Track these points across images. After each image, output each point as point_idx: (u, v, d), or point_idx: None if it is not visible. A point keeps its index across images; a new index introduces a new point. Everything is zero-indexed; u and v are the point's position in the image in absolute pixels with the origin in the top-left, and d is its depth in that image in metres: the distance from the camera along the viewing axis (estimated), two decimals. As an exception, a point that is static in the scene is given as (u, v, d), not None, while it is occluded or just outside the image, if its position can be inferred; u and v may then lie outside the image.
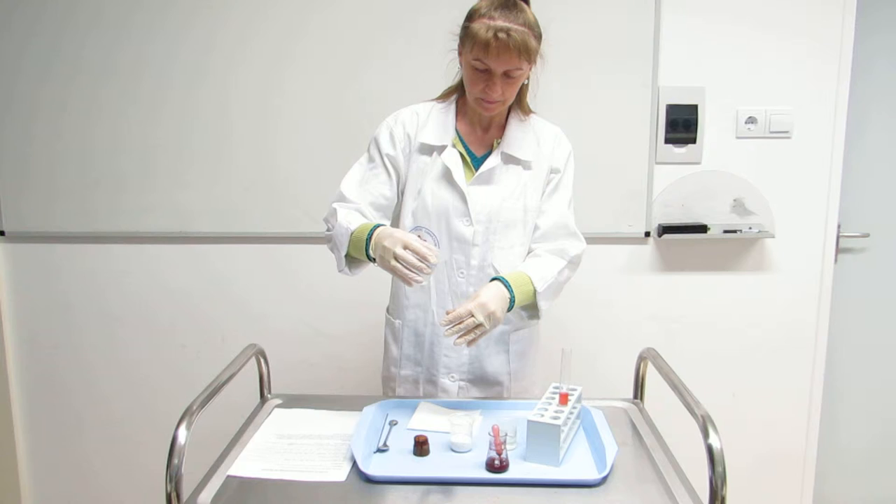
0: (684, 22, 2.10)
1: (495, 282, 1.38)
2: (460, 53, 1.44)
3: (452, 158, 1.46)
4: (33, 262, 2.28)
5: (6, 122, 2.18)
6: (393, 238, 1.29)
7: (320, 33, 2.10)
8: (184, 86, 2.14)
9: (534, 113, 1.55)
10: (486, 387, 1.57)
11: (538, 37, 1.38)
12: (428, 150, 1.49)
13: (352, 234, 1.38)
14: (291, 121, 2.15)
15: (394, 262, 1.28)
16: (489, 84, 1.37)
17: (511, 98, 1.43)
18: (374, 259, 1.35)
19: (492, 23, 1.32)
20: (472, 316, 1.30)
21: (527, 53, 1.34)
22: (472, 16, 1.37)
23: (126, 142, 2.18)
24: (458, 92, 1.52)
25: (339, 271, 1.45)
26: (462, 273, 1.49)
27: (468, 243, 1.47)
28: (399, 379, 1.58)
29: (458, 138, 1.50)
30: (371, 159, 1.52)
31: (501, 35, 1.31)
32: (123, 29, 2.11)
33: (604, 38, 2.09)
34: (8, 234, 2.25)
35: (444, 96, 1.55)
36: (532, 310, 1.48)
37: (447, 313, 1.32)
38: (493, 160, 1.48)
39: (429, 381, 1.56)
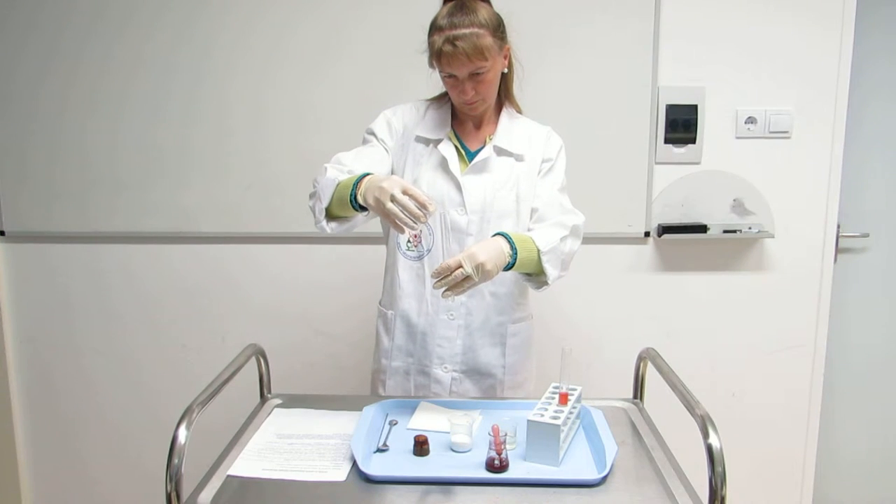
0: (684, 21, 2.10)
1: (496, 236, 1.37)
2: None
3: (448, 149, 1.51)
4: (33, 262, 2.28)
5: (6, 122, 2.18)
6: (391, 181, 1.27)
7: (320, 33, 2.10)
8: (184, 85, 2.14)
9: (522, 115, 1.60)
10: (480, 378, 1.57)
11: (495, 30, 1.40)
12: (424, 142, 1.53)
13: (338, 184, 1.36)
14: (292, 120, 2.15)
15: (390, 205, 1.24)
16: (460, 89, 1.43)
17: (489, 94, 1.47)
18: (360, 208, 1.32)
19: (441, 34, 1.38)
20: (461, 266, 1.28)
21: (479, 54, 1.37)
22: (430, 29, 1.43)
23: (126, 141, 2.18)
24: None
25: (317, 225, 1.41)
26: None
27: (463, 232, 1.50)
28: (390, 371, 1.59)
29: (453, 133, 1.54)
30: (364, 142, 1.56)
31: (447, 47, 1.36)
32: (123, 28, 2.11)
33: (604, 37, 2.09)
34: (8, 234, 2.25)
35: (438, 98, 1.59)
36: (539, 277, 1.45)
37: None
38: (486, 152, 1.51)
39: (421, 373, 1.57)
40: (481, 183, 1.50)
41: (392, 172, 1.54)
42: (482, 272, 1.29)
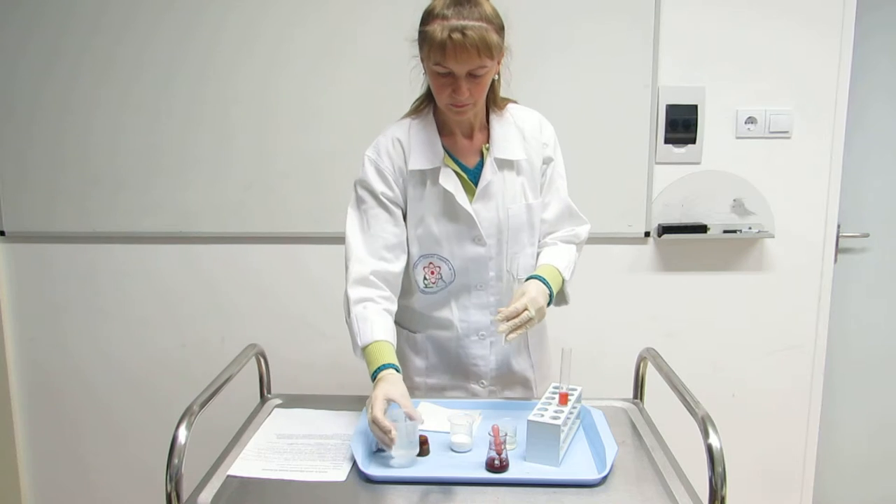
0: (684, 22, 2.10)
1: (535, 280, 1.39)
2: (422, 59, 1.36)
3: (451, 182, 1.41)
4: (33, 262, 2.28)
5: (6, 122, 2.18)
6: (374, 399, 1.22)
7: (321, 33, 2.10)
8: (184, 85, 2.14)
9: (512, 102, 1.49)
10: (515, 385, 1.57)
11: (499, 29, 1.31)
12: (420, 174, 1.43)
13: (362, 350, 1.35)
14: (292, 120, 2.15)
15: (372, 426, 1.21)
16: (455, 88, 1.31)
17: (481, 97, 1.37)
18: None
19: (446, 23, 1.26)
20: (527, 309, 1.32)
21: (487, 50, 1.27)
22: (426, 18, 1.31)
23: (126, 141, 2.18)
24: (429, 102, 1.45)
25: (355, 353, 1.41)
26: (481, 286, 1.48)
27: (483, 259, 1.46)
28: (425, 388, 1.56)
29: (447, 155, 1.43)
30: (363, 200, 1.45)
31: (456, 35, 1.24)
32: (124, 29, 2.11)
33: (604, 38, 2.09)
34: (8, 234, 2.25)
35: (417, 110, 1.47)
36: (559, 297, 1.49)
37: (499, 311, 1.33)
38: (488, 173, 1.43)
39: (458, 388, 1.55)
40: (493, 207, 1.44)
41: (403, 215, 1.46)
42: (541, 314, 1.36)
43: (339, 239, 2.19)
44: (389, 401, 1.23)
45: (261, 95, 2.14)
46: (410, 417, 1.20)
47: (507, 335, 1.31)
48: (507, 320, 1.31)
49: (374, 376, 1.30)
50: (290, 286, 2.26)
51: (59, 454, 2.39)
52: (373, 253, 1.42)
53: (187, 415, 1.10)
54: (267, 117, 2.15)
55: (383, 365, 1.30)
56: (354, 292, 1.41)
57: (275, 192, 2.19)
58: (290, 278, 2.25)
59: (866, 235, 2.33)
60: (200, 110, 2.15)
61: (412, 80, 1.43)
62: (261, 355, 1.49)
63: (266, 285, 2.26)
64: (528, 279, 1.40)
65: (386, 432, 1.17)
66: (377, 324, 1.36)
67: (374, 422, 1.19)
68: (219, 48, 2.12)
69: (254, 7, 2.09)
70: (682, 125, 2.15)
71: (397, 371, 1.31)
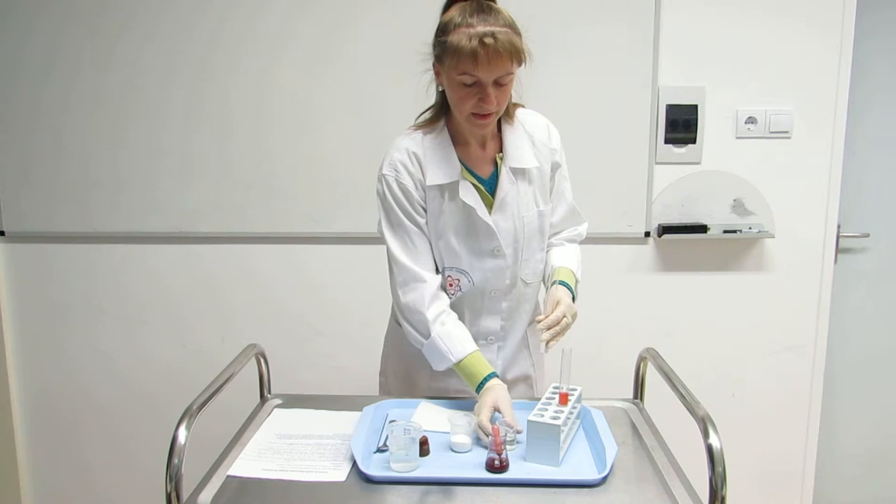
0: (684, 22, 2.10)
1: (561, 286, 1.44)
2: (438, 73, 1.35)
3: (471, 195, 1.41)
4: (33, 262, 2.28)
5: (6, 122, 2.18)
6: (482, 406, 1.30)
7: (320, 34, 2.10)
8: (185, 85, 2.14)
9: (519, 106, 1.49)
10: (518, 384, 1.60)
11: (519, 35, 1.30)
12: (437, 188, 1.41)
13: (456, 365, 1.40)
14: (292, 120, 2.15)
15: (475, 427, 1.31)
16: (483, 97, 1.29)
17: (505, 105, 1.35)
18: None
19: (472, 30, 1.24)
20: (565, 316, 1.36)
21: (517, 54, 1.26)
22: (446, 28, 1.28)
23: (126, 142, 2.18)
24: (442, 115, 1.44)
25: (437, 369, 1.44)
26: (495, 293, 1.49)
27: (502, 269, 1.47)
28: (430, 390, 1.56)
29: (463, 167, 1.42)
30: (398, 221, 1.43)
31: (488, 41, 1.22)
32: (124, 29, 2.12)
33: (604, 38, 2.09)
34: (8, 234, 2.25)
35: (429, 122, 1.44)
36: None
37: (538, 321, 1.36)
38: (505, 184, 1.43)
39: (462, 392, 1.53)
40: (509, 217, 1.44)
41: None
42: (575, 318, 1.41)
43: (339, 239, 2.21)
44: (496, 409, 1.29)
45: (261, 96, 2.14)
46: (510, 426, 1.26)
47: (547, 342, 1.35)
48: (549, 328, 1.34)
49: (480, 386, 1.36)
50: (289, 286, 2.26)
51: (58, 454, 2.39)
52: (425, 267, 1.44)
53: (187, 415, 1.10)
54: (267, 118, 2.15)
55: (488, 375, 1.37)
56: (431, 312, 1.42)
57: (275, 192, 2.19)
58: (290, 278, 2.25)
59: (866, 235, 2.33)
60: (200, 110, 2.15)
61: (415, 83, 1.41)
62: (261, 355, 1.49)
63: (266, 285, 2.26)
64: (553, 284, 1.45)
65: (487, 434, 1.23)
66: (462, 337, 1.41)
67: (480, 426, 1.27)
68: (219, 48, 2.12)
69: (253, 7, 2.09)
70: (682, 125, 2.15)
71: (498, 377, 1.38)
